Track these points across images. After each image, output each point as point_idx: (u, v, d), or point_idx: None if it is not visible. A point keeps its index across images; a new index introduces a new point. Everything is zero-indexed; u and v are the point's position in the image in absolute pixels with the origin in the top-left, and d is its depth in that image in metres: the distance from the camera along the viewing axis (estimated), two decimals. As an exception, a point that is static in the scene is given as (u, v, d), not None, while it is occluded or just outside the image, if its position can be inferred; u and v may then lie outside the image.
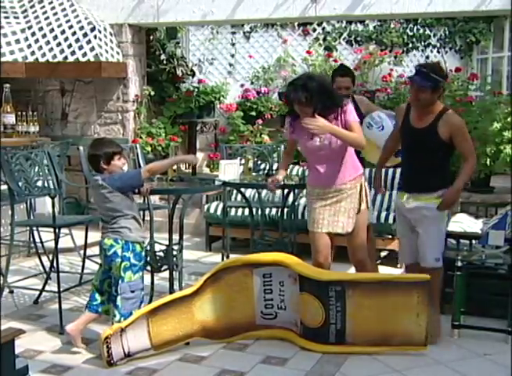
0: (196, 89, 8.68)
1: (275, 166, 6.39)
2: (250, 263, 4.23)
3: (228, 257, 5.56)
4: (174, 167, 4.94)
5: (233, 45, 9.88)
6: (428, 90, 4.06)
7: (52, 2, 7.88)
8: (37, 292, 5.02)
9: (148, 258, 4.66)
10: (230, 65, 9.88)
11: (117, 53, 7.73)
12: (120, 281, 4.00)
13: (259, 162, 6.68)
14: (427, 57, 9.59)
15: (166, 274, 4.70)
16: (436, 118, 4.15)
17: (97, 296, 4.14)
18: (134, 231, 4.04)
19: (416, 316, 3.95)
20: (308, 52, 9.11)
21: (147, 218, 5.28)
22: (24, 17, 7.83)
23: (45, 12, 7.82)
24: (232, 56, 9.88)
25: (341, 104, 4.26)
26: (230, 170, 5.27)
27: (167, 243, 4.65)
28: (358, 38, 9.45)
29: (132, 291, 4.01)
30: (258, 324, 4.29)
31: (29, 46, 7.65)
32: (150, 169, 4.09)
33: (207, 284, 4.18)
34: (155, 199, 7.08)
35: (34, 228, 5.57)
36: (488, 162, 6.27)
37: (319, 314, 4.04)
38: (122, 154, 4.11)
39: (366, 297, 3.98)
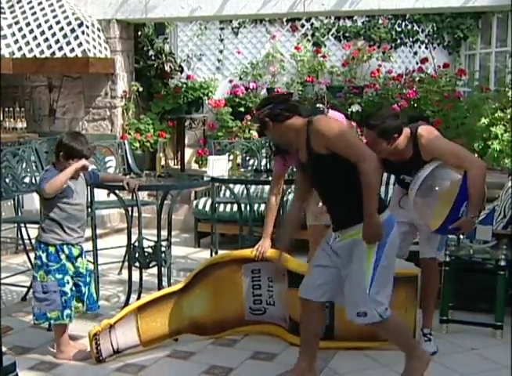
0: (184, 85, 8.66)
1: (263, 162, 6.39)
2: (238, 259, 4.23)
3: (216, 253, 5.55)
4: (163, 162, 4.93)
5: (222, 40, 9.86)
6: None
7: (39, -3, 7.85)
8: (25, 289, 5.00)
9: (136, 255, 4.65)
10: (219, 61, 9.86)
11: (105, 49, 7.70)
12: (33, 279, 3.98)
13: (248, 158, 6.68)
14: (415, 53, 9.62)
15: (154, 270, 4.69)
16: (307, 139, 3.36)
17: None
18: (48, 232, 3.89)
19: (404, 311, 3.92)
20: (297, 48, 9.11)
21: (135, 214, 5.26)
22: (11, 13, 7.80)
23: (31, 8, 7.79)
24: (221, 51, 9.86)
25: None
26: (219, 166, 5.27)
27: (155, 239, 4.64)
28: (347, 34, 9.44)
29: (45, 293, 3.87)
30: (247, 320, 4.29)
31: (16, 42, 7.62)
32: (50, 184, 3.80)
33: (196, 280, 4.17)
34: (143, 195, 7.07)
35: (22, 224, 5.54)
36: (475, 157, 6.30)
37: None
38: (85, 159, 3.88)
39: None
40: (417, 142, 3.83)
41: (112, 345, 3.94)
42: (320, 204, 4.43)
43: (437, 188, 3.79)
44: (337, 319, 4.03)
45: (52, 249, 3.89)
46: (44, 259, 3.88)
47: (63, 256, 3.90)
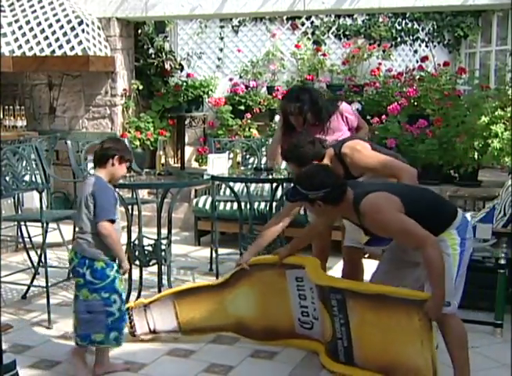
0: (184, 83, 8.66)
1: (263, 160, 6.39)
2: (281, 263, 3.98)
3: (216, 251, 5.55)
4: (163, 160, 4.94)
5: (222, 39, 9.85)
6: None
7: (39, -4, 7.84)
8: (26, 287, 5.01)
9: (136, 253, 4.66)
10: (219, 59, 9.86)
11: (105, 47, 7.70)
12: (74, 298, 3.72)
13: (248, 156, 6.68)
14: (416, 51, 9.62)
15: (154, 268, 4.70)
16: (359, 219, 3.45)
17: None
18: (95, 247, 3.61)
19: (420, 343, 3.36)
20: (297, 46, 9.10)
21: (135, 212, 5.27)
22: (11, 11, 7.79)
23: (31, 6, 7.78)
24: (221, 50, 9.86)
25: (325, 120, 4.33)
26: (219, 164, 5.26)
27: (155, 237, 4.65)
28: (347, 32, 9.44)
29: (89, 312, 3.62)
30: (298, 332, 4.05)
31: (16, 40, 7.61)
32: (107, 231, 3.59)
33: (239, 278, 4.03)
34: (143, 193, 7.08)
35: (22, 223, 5.54)
36: (475, 156, 6.30)
37: (328, 325, 3.74)
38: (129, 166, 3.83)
39: (367, 310, 3.53)
40: (344, 161, 3.94)
41: (148, 324, 4.11)
42: None
43: None
44: (354, 342, 3.64)
45: (98, 265, 3.62)
46: (88, 277, 3.61)
47: (112, 272, 3.65)
